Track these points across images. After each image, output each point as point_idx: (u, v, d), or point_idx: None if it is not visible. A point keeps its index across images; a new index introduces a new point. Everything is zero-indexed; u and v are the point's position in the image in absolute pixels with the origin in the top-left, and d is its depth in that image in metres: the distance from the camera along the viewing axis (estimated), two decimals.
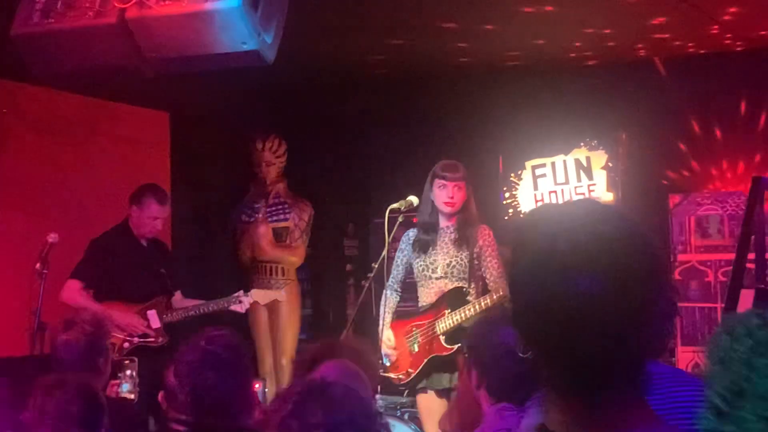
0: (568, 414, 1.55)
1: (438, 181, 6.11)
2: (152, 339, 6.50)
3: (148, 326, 6.51)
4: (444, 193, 6.10)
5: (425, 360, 6.06)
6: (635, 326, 1.50)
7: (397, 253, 6.35)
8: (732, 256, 6.07)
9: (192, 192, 8.67)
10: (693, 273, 7.62)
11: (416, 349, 6.13)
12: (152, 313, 6.56)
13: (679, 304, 7.63)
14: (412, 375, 6.11)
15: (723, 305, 7.09)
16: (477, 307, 5.89)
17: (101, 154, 7.83)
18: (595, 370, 1.51)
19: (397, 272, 6.33)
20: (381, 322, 6.27)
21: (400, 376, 6.17)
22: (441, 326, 6.02)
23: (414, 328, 6.17)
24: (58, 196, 7.43)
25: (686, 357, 7.54)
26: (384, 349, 6.19)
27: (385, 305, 6.27)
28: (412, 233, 6.31)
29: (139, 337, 6.47)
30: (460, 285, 6.09)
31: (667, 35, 7.48)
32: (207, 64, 4.99)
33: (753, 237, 6.06)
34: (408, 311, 6.38)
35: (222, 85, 7.40)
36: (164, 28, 4.80)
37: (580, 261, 1.48)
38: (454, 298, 6.06)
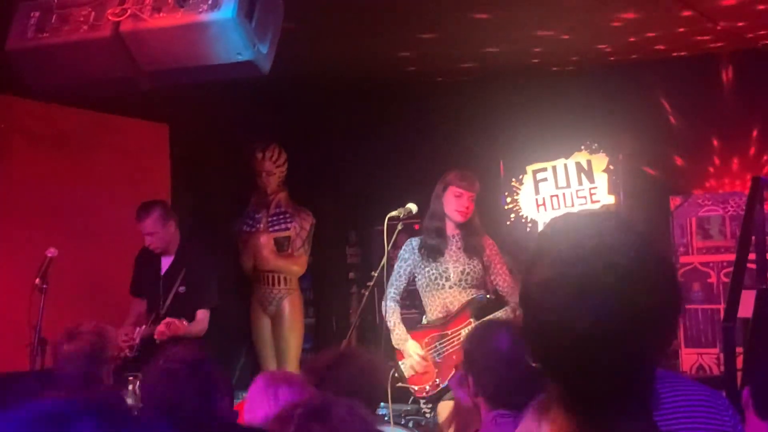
0: (573, 426, 1.55)
1: (455, 190, 6.10)
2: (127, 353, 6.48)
3: (132, 341, 6.51)
4: (460, 203, 6.09)
5: (454, 370, 5.99)
6: (647, 344, 1.51)
7: (399, 263, 6.29)
8: (734, 256, 6.06)
9: (193, 203, 8.66)
10: (695, 274, 7.60)
11: (441, 360, 6.08)
12: (138, 329, 6.56)
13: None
14: (441, 386, 6.04)
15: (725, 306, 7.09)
16: (506, 317, 5.89)
17: (101, 167, 7.82)
18: (604, 387, 1.51)
19: (399, 282, 6.26)
20: (397, 333, 6.16)
21: (426, 387, 6.11)
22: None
23: (435, 339, 6.12)
24: (58, 209, 7.42)
25: (690, 359, 7.53)
26: (413, 361, 6.10)
27: (393, 316, 6.20)
28: (415, 242, 6.27)
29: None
30: (477, 293, 6.09)
31: (660, 42, 7.49)
32: (203, 75, 4.99)
33: (753, 237, 6.06)
34: (415, 320, 6.34)
35: (221, 95, 7.39)
36: (159, 41, 4.81)
37: (591, 282, 1.48)
38: (476, 307, 6.03)
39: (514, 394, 3.13)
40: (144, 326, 6.56)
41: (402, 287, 6.29)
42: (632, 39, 7.48)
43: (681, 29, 7.23)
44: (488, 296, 6.10)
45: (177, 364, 3.43)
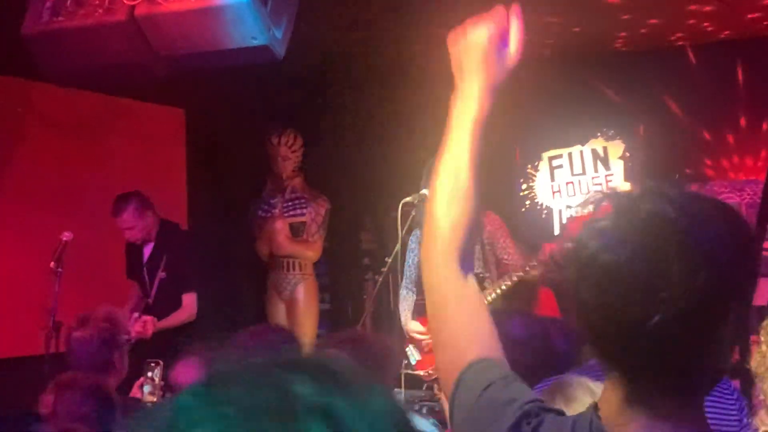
0: (623, 407, 1.56)
1: None
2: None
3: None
4: None
5: None
6: (713, 339, 1.50)
7: (408, 254, 6.36)
8: None
9: (208, 188, 8.67)
10: None
11: None
12: (133, 317, 6.57)
13: None
14: None
15: None
16: (498, 290, 5.87)
17: (117, 152, 7.84)
18: (672, 379, 1.52)
19: (410, 272, 6.35)
20: (403, 319, 6.26)
21: (429, 372, 6.14)
22: None
23: None
24: (73, 194, 7.44)
25: None
26: (416, 338, 6.16)
27: (404, 303, 6.28)
28: (420, 232, 6.29)
29: None
30: (476, 272, 6.08)
31: (693, 21, 7.44)
32: (217, 59, 4.99)
33: None
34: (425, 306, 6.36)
35: (237, 80, 7.38)
36: (174, 25, 4.81)
37: (656, 277, 1.46)
38: None
39: (526, 378, 3.12)
40: (138, 314, 6.57)
41: (414, 276, 6.34)
42: (643, 30, 7.44)
43: (699, 21, 7.19)
44: (480, 274, 6.06)
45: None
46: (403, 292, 6.31)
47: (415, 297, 6.34)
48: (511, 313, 3.45)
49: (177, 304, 6.63)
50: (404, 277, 6.34)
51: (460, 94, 2.01)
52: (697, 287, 1.43)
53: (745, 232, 1.54)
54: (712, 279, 1.44)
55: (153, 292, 6.74)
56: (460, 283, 1.89)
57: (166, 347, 5.74)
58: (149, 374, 5.16)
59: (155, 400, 5.17)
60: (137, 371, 4.99)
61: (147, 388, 5.12)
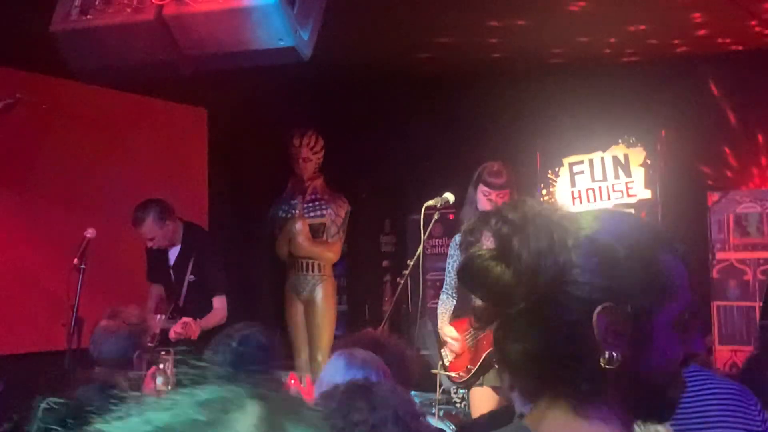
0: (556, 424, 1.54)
1: (482, 188, 6.09)
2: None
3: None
4: (487, 203, 6.08)
5: (483, 355, 6.03)
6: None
7: (448, 260, 6.39)
8: None
9: (230, 187, 8.71)
10: (731, 271, 7.56)
11: (474, 346, 6.13)
12: (159, 318, 6.57)
13: (717, 303, 7.59)
14: (472, 371, 6.09)
15: (761, 303, 7.05)
16: None
17: (140, 150, 7.87)
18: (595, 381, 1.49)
19: (450, 278, 6.36)
20: (439, 323, 6.30)
21: (461, 374, 6.17)
22: None
23: (470, 326, 6.17)
24: (96, 191, 7.48)
25: (724, 356, 7.49)
26: (450, 341, 6.19)
27: (441, 307, 6.34)
28: (458, 238, 6.31)
29: None
30: None
31: (706, 32, 7.42)
32: (244, 60, 5.01)
33: None
34: (464, 311, 6.37)
35: (260, 80, 7.40)
36: (201, 25, 4.83)
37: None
38: None
39: None
40: (164, 316, 6.58)
41: (453, 283, 6.34)
42: (674, 31, 7.43)
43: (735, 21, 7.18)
44: None
45: (253, 349, 3.48)
46: (443, 296, 6.37)
47: (454, 302, 6.35)
48: None
49: (207, 307, 6.62)
50: (445, 283, 6.39)
51: None
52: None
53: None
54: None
55: (183, 295, 6.74)
56: None
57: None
58: (161, 365, 5.18)
59: (168, 389, 5.19)
60: None
61: (160, 379, 5.15)
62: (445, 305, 6.35)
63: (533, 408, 1.56)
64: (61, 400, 2.34)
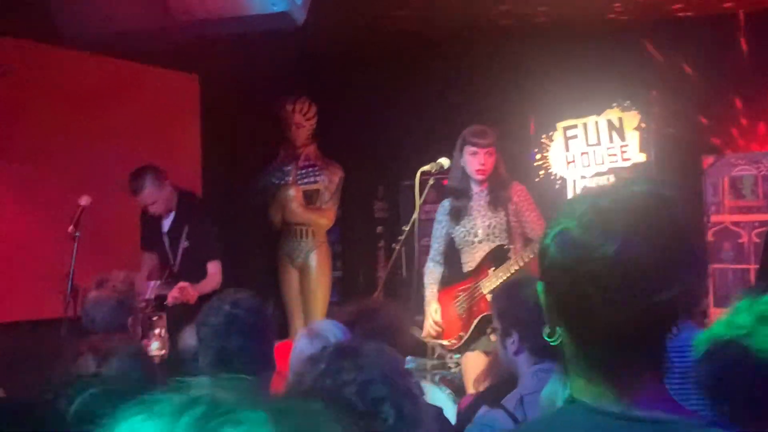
0: (592, 386, 1.58)
1: (469, 148, 6.07)
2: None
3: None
4: (476, 161, 6.06)
5: (475, 321, 6.04)
6: (664, 288, 1.51)
7: (435, 225, 6.34)
8: (766, 216, 6.02)
9: (222, 155, 8.68)
10: (726, 234, 7.56)
11: (464, 313, 6.13)
12: (152, 284, 6.54)
13: (713, 266, 7.60)
14: (464, 338, 6.09)
15: (757, 266, 7.05)
16: (520, 261, 5.86)
17: (131, 118, 7.82)
18: (623, 341, 1.53)
19: (438, 244, 6.32)
20: (426, 293, 6.27)
21: (453, 341, 6.16)
22: (487, 285, 5.98)
23: (460, 293, 6.16)
24: (90, 159, 7.44)
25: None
26: (430, 322, 6.18)
27: (429, 277, 6.29)
28: (447, 203, 6.28)
29: None
30: (500, 244, 6.08)
31: None
32: (237, 26, 4.99)
33: None
34: (453, 278, 6.36)
35: (252, 47, 7.36)
36: None
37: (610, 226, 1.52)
38: (496, 257, 6.04)
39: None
40: (158, 282, 6.57)
41: (441, 249, 6.32)
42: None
43: None
44: (504, 246, 6.08)
45: (244, 311, 3.48)
46: (429, 264, 6.30)
47: (442, 270, 6.33)
48: (528, 281, 3.44)
49: (201, 273, 6.61)
50: (432, 249, 6.33)
51: None
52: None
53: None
54: None
55: (177, 261, 6.73)
56: None
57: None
58: (155, 330, 5.17)
59: (164, 353, 5.19)
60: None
61: (156, 345, 5.15)
62: (433, 274, 6.30)
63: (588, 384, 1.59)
64: (102, 386, 2.34)
